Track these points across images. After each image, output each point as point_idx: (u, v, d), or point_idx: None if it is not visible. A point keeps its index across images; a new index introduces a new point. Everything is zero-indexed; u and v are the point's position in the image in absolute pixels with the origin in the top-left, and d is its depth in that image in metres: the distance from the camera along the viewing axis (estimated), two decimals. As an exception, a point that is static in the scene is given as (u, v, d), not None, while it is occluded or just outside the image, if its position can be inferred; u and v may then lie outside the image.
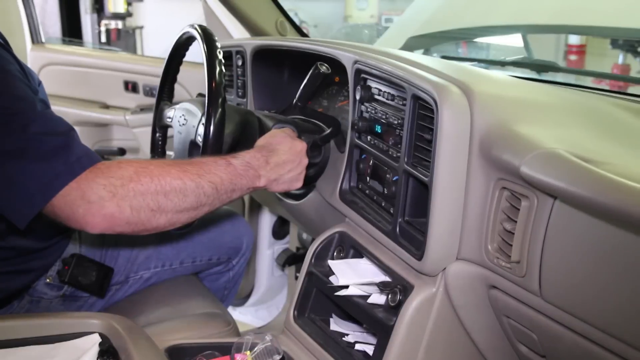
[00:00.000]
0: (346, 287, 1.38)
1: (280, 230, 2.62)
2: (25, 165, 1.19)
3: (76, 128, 2.81)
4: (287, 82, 1.98)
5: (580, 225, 0.98)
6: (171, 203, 1.26)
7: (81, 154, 1.23)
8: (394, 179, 1.36)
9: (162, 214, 1.27)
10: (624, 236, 0.91)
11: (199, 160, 1.35)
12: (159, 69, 1.78)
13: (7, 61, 1.28)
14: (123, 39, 6.48)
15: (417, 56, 1.67)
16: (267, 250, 2.62)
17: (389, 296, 1.31)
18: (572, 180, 0.94)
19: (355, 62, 1.48)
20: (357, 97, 1.48)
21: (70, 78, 2.98)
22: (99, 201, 1.20)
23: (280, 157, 1.46)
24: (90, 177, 1.20)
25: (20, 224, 1.22)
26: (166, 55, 1.74)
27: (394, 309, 1.29)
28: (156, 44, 6.06)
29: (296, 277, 1.64)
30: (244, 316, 2.72)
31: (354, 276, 1.40)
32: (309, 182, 1.70)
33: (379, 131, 1.43)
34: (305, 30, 2.59)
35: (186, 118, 1.60)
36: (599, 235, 0.96)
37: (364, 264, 1.45)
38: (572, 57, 5.57)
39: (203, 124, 1.44)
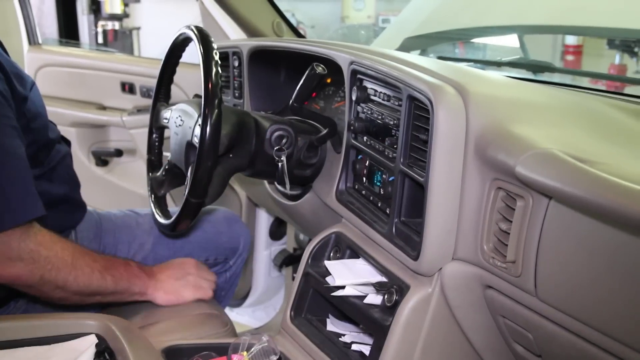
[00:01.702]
0: (342, 287, 1.38)
1: (277, 231, 2.62)
2: None
3: (73, 129, 2.82)
4: (284, 83, 1.98)
5: (575, 225, 0.99)
6: (76, 286, 1.40)
7: (26, 199, 1.30)
8: (390, 179, 1.36)
9: (61, 292, 1.40)
10: (619, 236, 0.91)
11: (103, 256, 1.51)
12: (156, 70, 1.78)
13: None
14: (120, 40, 6.47)
15: (412, 57, 1.68)
16: (265, 251, 2.62)
17: (385, 296, 1.32)
18: (567, 181, 0.95)
19: (351, 62, 1.49)
20: (353, 98, 1.49)
21: (67, 79, 2.97)
22: (14, 261, 1.29)
23: (165, 271, 1.61)
24: (18, 235, 1.28)
25: None
26: (163, 56, 1.74)
27: (390, 309, 1.30)
28: (153, 45, 6.07)
29: (293, 278, 1.64)
30: (242, 317, 2.72)
31: (350, 276, 1.40)
32: (306, 183, 1.70)
33: (375, 132, 1.44)
34: (302, 31, 2.59)
35: (183, 119, 1.60)
36: (594, 235, 0.96)
37: (360, 264, 1.45)
38: (569, 58, 5.58)
39: (199, 125, 1.44)
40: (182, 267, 1.62)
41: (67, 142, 1.68)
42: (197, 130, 1.48)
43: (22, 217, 1.25)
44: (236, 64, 2.01)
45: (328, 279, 1.43)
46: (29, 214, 1.27)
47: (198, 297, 1.62)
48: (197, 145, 1.44)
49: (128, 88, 2.85)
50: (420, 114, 1.26)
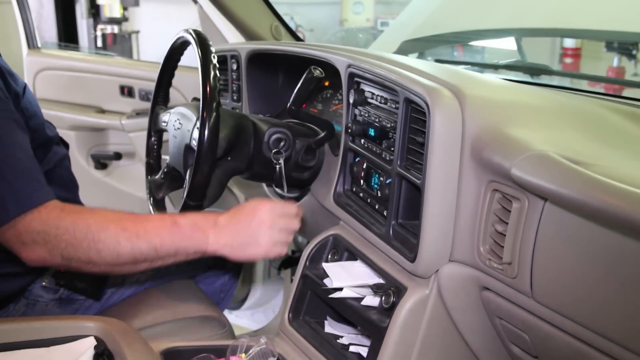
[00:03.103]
0: (340, 289, 1.38)
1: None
2: None
3: (72, 133, 2.82)
4: (282, 86, 1.98)
5: (570, 226, 0.99)
6: (103, 260, 1.29)
7: (32, 189, 1.27)
8: (387, 181, 1.37)
9: (95, 266, 1.31)
10: (614, 237, 0.92)
11: (144, 217, 1.36)
12: (155, 74, 1.78)
13: None
14: (119, 43, 6.47)
15: (410, 60, 1.68)
16: (263, 253, 2.62)
17: (383, 298, 1.32)
18: (562, 182, 0.95)
19: (349, 66, 1.49)
20: (351, 101, 1.49)
21: (66, 83, 2.98)
22: (31, 244, 1.24)
23: (233, 218, 1.38)
24: (28, 221, 1.25)
25: None
26: (162, 59, 1.75)
27: (387, 310, 1.30)
28: (152, 49, 6.06)
29: (292, 280, 1.64)
30: (241, 320, 2.72)
31: (348, 278, 1.40)
32: (304, 186, 1.71)
33: (373, 134, 1.44)
34: (301, 35, 2.60)
35: (181, 122, 1.60)
36: (589, 236, 0.97)
37: (357, 266, 1.46)
38: (568, 60, 5.58)
39: (198, 128, 1.45)
40: (252, 215, 1.39)
41: (66, 145, 1.68)
42: (196, 134, 1.49)
43: (28, 204, 1.25)
44: (234, 67, 2.02)
45: (326, 281, 1.44)
46: (35, 201, 1.26)
47: (272, 256, 1.42)
48: (196, 148, 1.45)
49: (127, 91, 2.86)
50: (417, 116, 1.26)
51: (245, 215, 1.39)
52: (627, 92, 2.78)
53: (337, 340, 1.44)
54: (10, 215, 1.24)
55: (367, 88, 1.46)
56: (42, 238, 1.25)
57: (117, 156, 2.97)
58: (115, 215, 1.33)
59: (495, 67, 2.28)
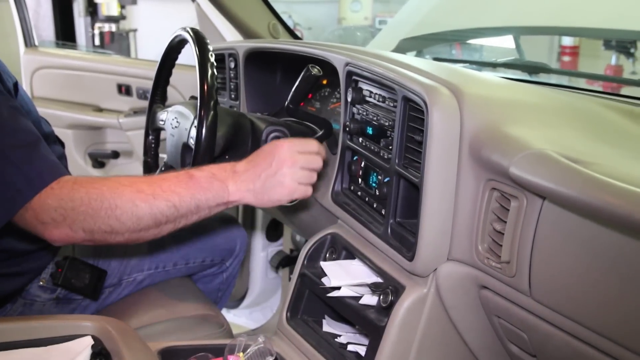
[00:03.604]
0: (338, 288, 1.38)
1: (273, 232, 2.62)
2: None
3: (70, 131, 2.81)
4: (280, 85, 1.98)
5: (568, 225, 0.99)
6: (124, 226, 1.25)
7: (43, 168, 1.24)
8: (385, 180, 1.37)
9: (118, 235, 1.27)
10: (612, 236, 0.92)
11: (159, 177, 1.31)
12: (152, 72, 1.78)
13: None
14: (117, 42, 6.47)
15: (408, 58, 1.68)
16: (261, 252, 2.63)
17: (381, 297, 1.32)
18: (560, 181, 0.95)
19: (347, 64, 1.49)
20: (349, 99, 1.49)
21: (64, 81, 2.97)
22: (52, 222, 1.22)
23: (250, 162, 1.33)
24: (42, 199, 1.22)
25: None
26: (159, 58, 1.75)
27: (385, 309, 1.30)
28: (150, 47, 6.06)
29: (289, 279, 1.64)
30: (239, 318, 2.72)
31: (346, 277, 1.40)
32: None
33: (371, 133, 1.44)
34: (299, 33, 2.60)
35: (179, 121, 1.60)
36: (587, 235, 0.97)
37: (355, 265, 1.45)
38: (566, 59, 5.59)
39: (195, 126, 1.45)
40: (271, 156, 1.31)
41: (62, 144, 1.68)
42: (193, 132, 1.48)
43: (41, 183, 1.24)
44: (232, 65, 2.01)
45: (324, 280, 1.44)
46: (46, 179, 1.25)
47: (297, 197, 1.34)
48: (193, 146, 1.44)
49: (124, 90, 2.86)
50: (415, 115, 1.26)
51: (264, 157, 1.32)
52: (625, 90, 2.78)
53: (335, 339, 1.44)
54: (26, 197, 1.22)
55: (365, 86, 1.46)
56: (60, 214, 1.22)
57: (115, 155, 2.96)
58: (128, 180, 1.29)
59: (493, 66, 2.28)
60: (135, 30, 6.90)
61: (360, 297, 1.37)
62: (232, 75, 2.03)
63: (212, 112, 1.43)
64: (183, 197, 1.27)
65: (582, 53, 5.65)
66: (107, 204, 1.23)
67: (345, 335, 1.45)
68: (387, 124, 1.37)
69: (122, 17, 6.65)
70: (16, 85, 1.47)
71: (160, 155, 1.81)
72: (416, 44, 2.69)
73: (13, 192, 1.21)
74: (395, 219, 1.33)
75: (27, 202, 1.21)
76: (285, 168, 1.31)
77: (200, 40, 1.51)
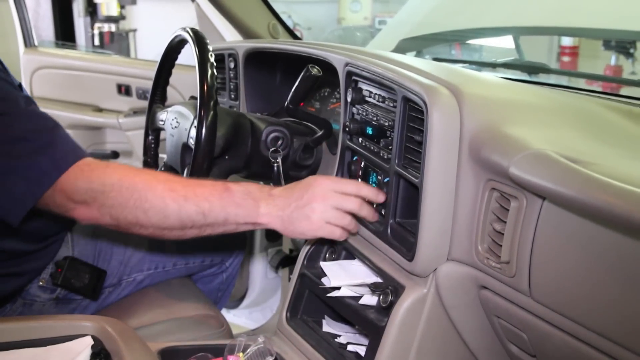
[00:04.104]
0: (338, 288, 1.38)
1: (273, 232, 2.61)
2: (12, 165, 1.21)
3: (69, 131, 2.81)
4: (279, 85, 1.98)
5: (568, 225, 0.99)
6: (150, 220, 1.25)
7: (66, 149, 1.25)
8: (385, 180, 1.37)
9: (142, 228, 1.27)
10: (612, 236, 0.92)
11: (196, 181, 1.31)
12: (152, 72, 1.78)
13: None
14: (116, 42, 6.47)
15: (407, 58, 1.68)
16: (261, 252, 2.62)
17: (381, 297, 1.32)
18: (560, 181, 0.95)
19: (347, 64, 1.49)
20: (349, 99, 1.49)
21: (63, 81, 2.97)
22: (82, 203, 1.22)
23: (286, 189, 1.32)
24: (73, 180, 1.22)
25: (13, 223, 1.24)
26: (159, 58, 1.75)
27: (385, 310, 1.30)
28: (149, 47, 6.06)
29: (289, 279, 1.64)
30: (238, 318, 2.72)
31: (345, 277, 1.40)
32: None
33: (370, 133, 1.44)
34: (299, 33, 2.60)
35: (178, 121, 1.60)
36: (587, 235, 0.97)
37: (355, 265, 1.45)
38: (565, 59, 5.59)
39: (195, 126, 1.45)
40: (306, 188, 1.30)
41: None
42: (193, 132, 1.48)
43: (65, 164, 1.24)
44: (232, 65, 2.01)
45: (324, 280, 1.44)
46: (70, 160, 1.25)
47: (322, 236, 1.33)
48: (193, 147, 1.45)
49: (124, 90, 2.86)
50: (414, 115, 1.26)
51: (300, 187, 1.31)
52: (625, 90, 2.78)
53: (335, 340, 1.44)
54: (52, 178, 1.21)
55: (364, 86, 1.46)
56: (90, 196, 1.22)
57: (115, 155, 2.96)
58: (164, 176, 1.29)
59: (493, 66, 2.28)
60: (134, 31, 6.90)
61: (360, 297, 1.37)
62: (231, 75, 2.03)
63: (211, 112, 1.43)
64: (214, 206, 1.27)
65: (581, 53, 5.65)
66: (138, 195, 1.24)
67: (345, 335, 1.45)
68: (386, 124, 1.37)
69: (122, 17, 6.64)
70: (20, 86, 1.48)
71: (160, 155, 1.81)
72: (416, 44, 2.69)
73: (39, 174, 1.21)
74: (395, 219, 1.33)
75: (53, 183, 1.21)
76: (315, 203, 1.29)
77: (200, 41, 1.51)
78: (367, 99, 1.45)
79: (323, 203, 1.29)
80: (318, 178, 1.33)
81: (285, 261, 2.45)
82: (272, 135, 1.60)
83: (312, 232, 1.32)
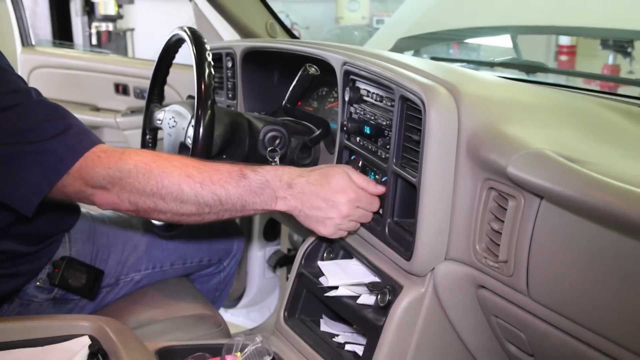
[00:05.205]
0: (336, 287, 1.38)
1: (271, 231, 2.62)
2: (28, 152, 1.21)
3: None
4: (277, 84, 1.98)
5: (566, 224, 0.99)
6: (167, 206, 1.26)
7: (81, 135, 1.25)
8: (383, 179, 1.37)
9: (161, 214, 1.28)
10: (610, 235, 0.92)
11: (212, 166, 1.30)
12: (150, 71, 1.78)
13: None
14: (114, 41, 6.46)
15: (405, 57, 1.68)
16: (259, 252, 2.63)
17: (379, 296, 1.32)
18: (558, 180, 0.95)
19: (344, 63, 1.49)
20: (346, 99, 1.49)
21: (61, 81, 2.97)
22: (100, 188, 1.23)
23: (310, 185, 1.31)
24: (90, 165, 1.22)
25: (27, 212, 1.24)
26: (156, 57, 1.75)
27: (383, 309, 1.30)
28: (147, 46, 6.06)
29: (287, 279, 1.64)
30: (236, 318, 2.72)
31: (343, 277, 1.40)
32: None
33: (368, 132, 1.44)
34: (296, 32, 2.60)
35: (176, 120, 1.60)
36: (585, 234, 0.97)
37: (353, 264, 1.45)
38: (563, 58, 5.59)
39: (193, 126, 1.45)
40: (333, 196, 1.31)
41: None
42: (191, 132, 1.48)
43: (81, 150, 1.23)
44: (229, 65, 2.01)
45: (321, 279, 1.44)
46: (86, 146, 1.24)
47: (334, 237, 1.38)
48: (191, 146, 1.44)
49: (122, 89, 2.85)
50: (412, 114, 1.26)
51: (326, 193, 1.31)
52: (623, 89, 2.79)
53: (333, 339, 1.44)
54: (68, 164, 1.21)
55: (362, 86, 1.46)
56: (109, 182, 1.22)
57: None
58: (180, 161, 1.28)
59: (490, 65, 2.28)
60: (132, 30, 6.89)
61: (357, 297, 1.37)
62: (229, 74, 2.02)
63: (209, 112, 1.42)
64: (230, 194, 1.27)
65: (579, 52, 5.65)
66: (154, 181, 1.24)
67: (343, 334, 1.45)
68: (384, 123, 1.37)
69: (119, 16, 6.63)
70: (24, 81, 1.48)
71: (158, 154, 1.81)
72: (414, 43, 2.69)
73: (54, 160, 1.21)
74: (392, 219, 1.33)
75: (70, 168, 1.21)
76: (334, 213, 1.32)
77: (197, 40, 1.51)
78: (365, 98, 1.45)
79: (340, 217, 1.32)
80: (348, 187, 1.32)
81: (283, 260, 2.45)
82: (269, 134, 1.60)
83: (323, 235, 1.36)
